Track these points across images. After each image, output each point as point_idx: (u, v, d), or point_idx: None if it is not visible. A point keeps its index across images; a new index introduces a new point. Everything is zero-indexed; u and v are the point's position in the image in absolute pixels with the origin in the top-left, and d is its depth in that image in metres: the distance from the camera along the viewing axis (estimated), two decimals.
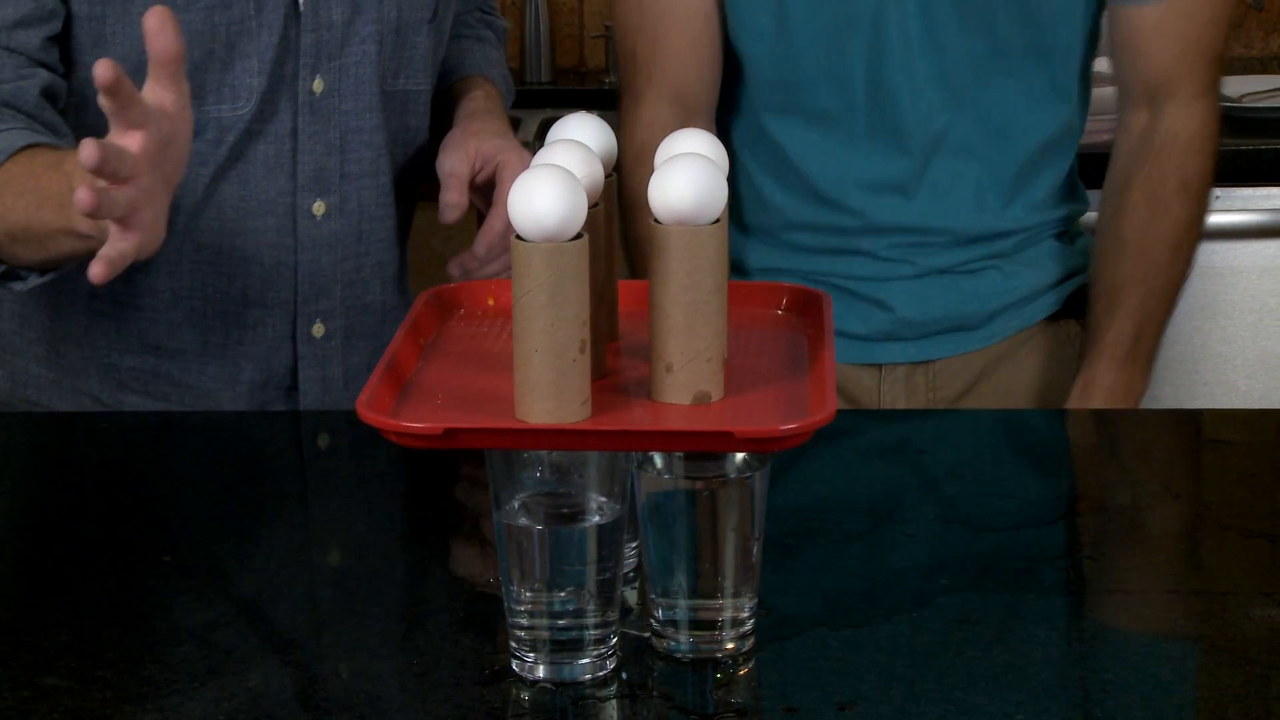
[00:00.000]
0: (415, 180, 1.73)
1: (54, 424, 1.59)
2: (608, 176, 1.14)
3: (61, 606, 1.21)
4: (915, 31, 1.67)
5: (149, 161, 1.21)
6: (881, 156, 1.72)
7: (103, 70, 1.15)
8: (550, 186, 1.01)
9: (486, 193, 1.64)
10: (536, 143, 2.83)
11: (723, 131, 1.78)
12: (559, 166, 1.03)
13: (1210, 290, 2.58)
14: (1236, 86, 2.79)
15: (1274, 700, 1.06)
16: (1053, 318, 1.80)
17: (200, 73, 1.54)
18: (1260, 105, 2.72)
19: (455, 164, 1.62)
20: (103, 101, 1.18)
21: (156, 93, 1.22)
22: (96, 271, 1.21)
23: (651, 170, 1.10)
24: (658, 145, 1.21)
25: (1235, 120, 2.68)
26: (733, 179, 1.75)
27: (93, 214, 1.18)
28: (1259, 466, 1.45)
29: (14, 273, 1.48)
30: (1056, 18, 1.70)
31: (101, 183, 1.18)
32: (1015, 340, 1.78)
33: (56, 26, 1.53)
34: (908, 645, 1.13)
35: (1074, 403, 1.73)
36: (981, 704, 1.06)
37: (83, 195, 1.16)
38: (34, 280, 1.48)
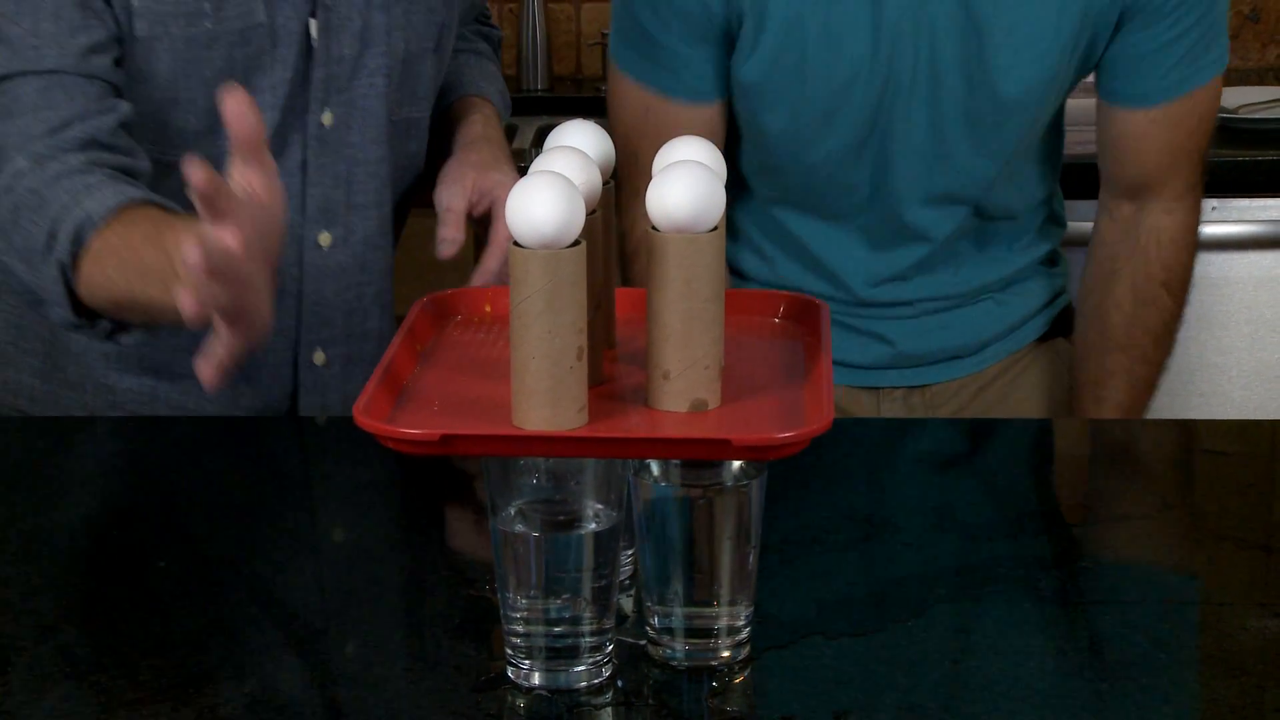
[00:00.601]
0: (407, 208, 1.74)
1: (52, 428, 1.59)
2: (605, 183, 1.14)
3: (58, 611, 1.21)
4: (921, 143, 1.67)
5: (248, 254, 1.14)
6: (884, 253, 1.73)
7: (196, 175, 1.09)
8: (548, 193, 1.01)
9: (485, 224, 1.64)
10: (534, 150, 2.84)
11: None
12: (556, 173, 1.03)
13: (1206, 301, 2.58)
14: (1233, 98, 2.78)
15: (1270, 710, 1.06)
16: (1042, 338, 1.83)
17: (217, 109, 1.53)
18: (1256, 116, 2.72)
19: (453, 198, 1.61)
20: (196, 200, 1.12)
21: (245, 175, 1.16)
22: (207, 376, 1.18)
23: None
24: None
25: (1232, 131, 2.69)
26: (732, 234, 1.76)
27: (200, 319, 1.14)
28: (1255, 477, 1.45)
29: (124, 326, 1.46)
30: (1053, 118, 1.72)
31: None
32: (1007, 362, 1.81)
33: (120, 50, 1.50)
34: (904, 654, 1.13)
35: None
36: (978, 713, 1.06)
37: (187, 304, 1.12)
38: (137, 333, 1.47)
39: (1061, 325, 1.84)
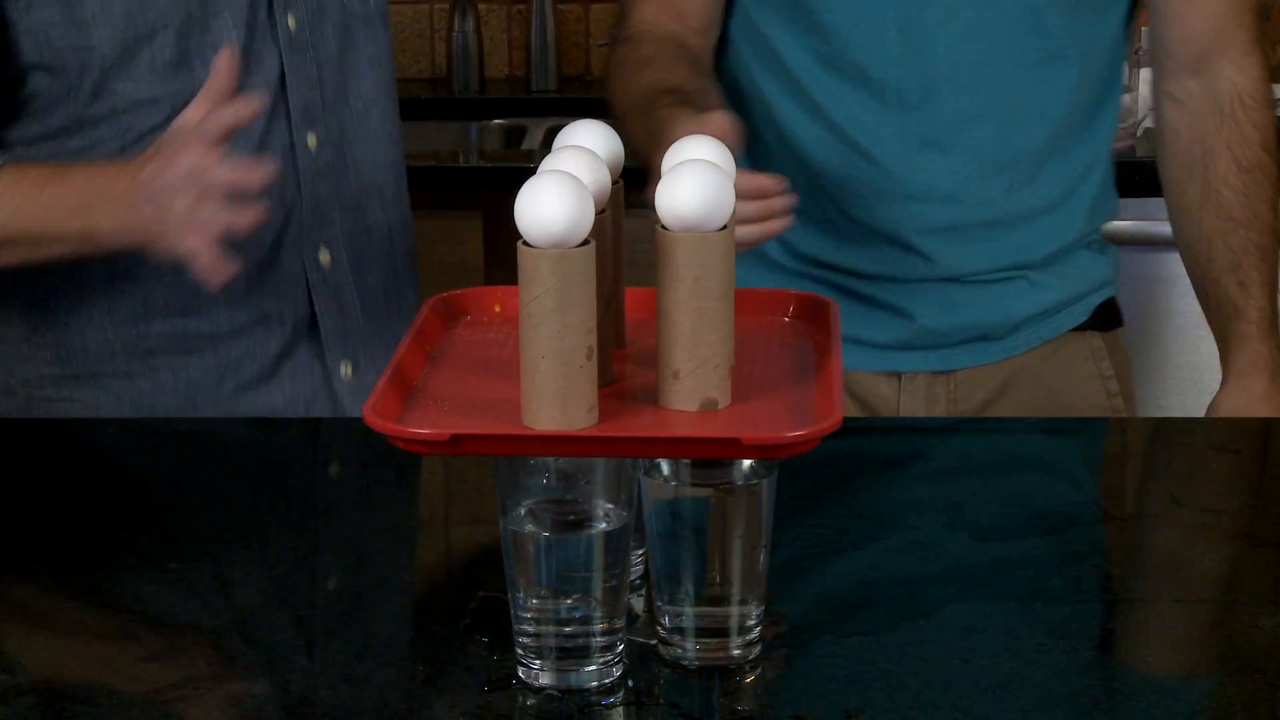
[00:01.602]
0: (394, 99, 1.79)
1: (60, 430, 1.59)
2: (614, 183, 1.14)
3: (67, 613, 1.21)
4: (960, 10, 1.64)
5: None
6: (915, 118, 1.68)
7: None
8: (557, 193, 1.01)
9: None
10: (543, 150, 2.84)
11: (750, 74, 1.75)
12: (566, 173, 1.03)
13: None
14: None
15: None
16: (1078, 328, 1.78)
17: (183, 40, 1.57)
18: None
19: None
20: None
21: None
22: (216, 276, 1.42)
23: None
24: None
25: None
26: (757, 124, 1.73)
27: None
28: (1267, 476, 1.45)
29: None
30: (1102, 6, 1.69)
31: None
32: (1039, 351, 1.76)
33: None
34: (915, 653, 1.12)
35: (1234, 393, 1.70)
36: (989, 712, 1.06)
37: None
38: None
39: (1100, 318, 1.79)
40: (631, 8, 1.75)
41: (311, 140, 1.65)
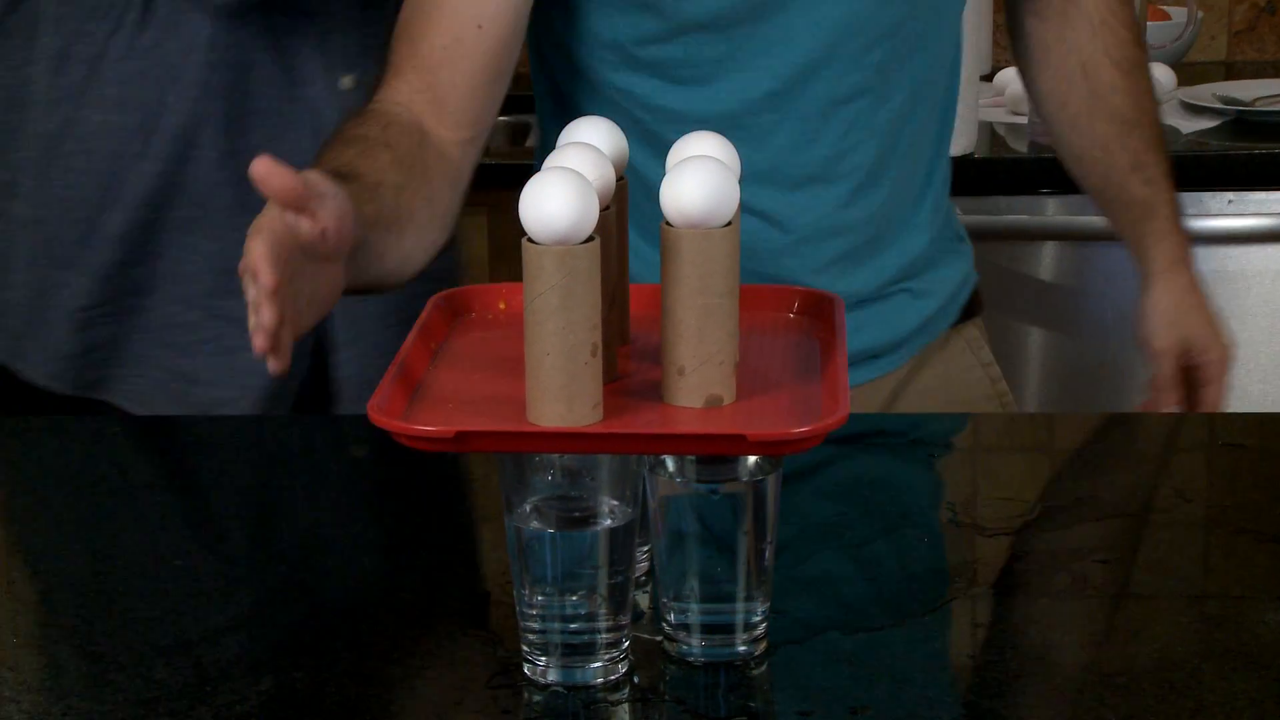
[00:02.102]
0: None
1: (65, 428, 1.59)
2: (619, 179, 1.13)
3: (72, 611, 1.21)
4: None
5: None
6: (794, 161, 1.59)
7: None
8: (562, 189, 1.01)
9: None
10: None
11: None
12: (570, 169, 1.03)
13: (1223, 294, 2.56)
14: (1250, 90, 2.78)
15: None
16: (955, 324, 1.73)
17: None
18: (1274, 109, 2.71)
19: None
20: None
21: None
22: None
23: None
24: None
25: (1247, 124, 2.68)
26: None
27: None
28: (1273, 470, 1.45)
29: None
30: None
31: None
32: (920, 357, 1.70)
33: None
34: (921, 649, 1.12)
35: (1162, 289, 1.71)
36: (995, 709, 1.05)
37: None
38: None
39: (970, 307, 1.74)
40: (386, 81, 1.46)
41: (347, 81, 1.68)
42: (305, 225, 1.10)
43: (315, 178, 1.13)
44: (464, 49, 1.45)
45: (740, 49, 1.53)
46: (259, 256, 1.07)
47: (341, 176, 1.24)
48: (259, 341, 1.07)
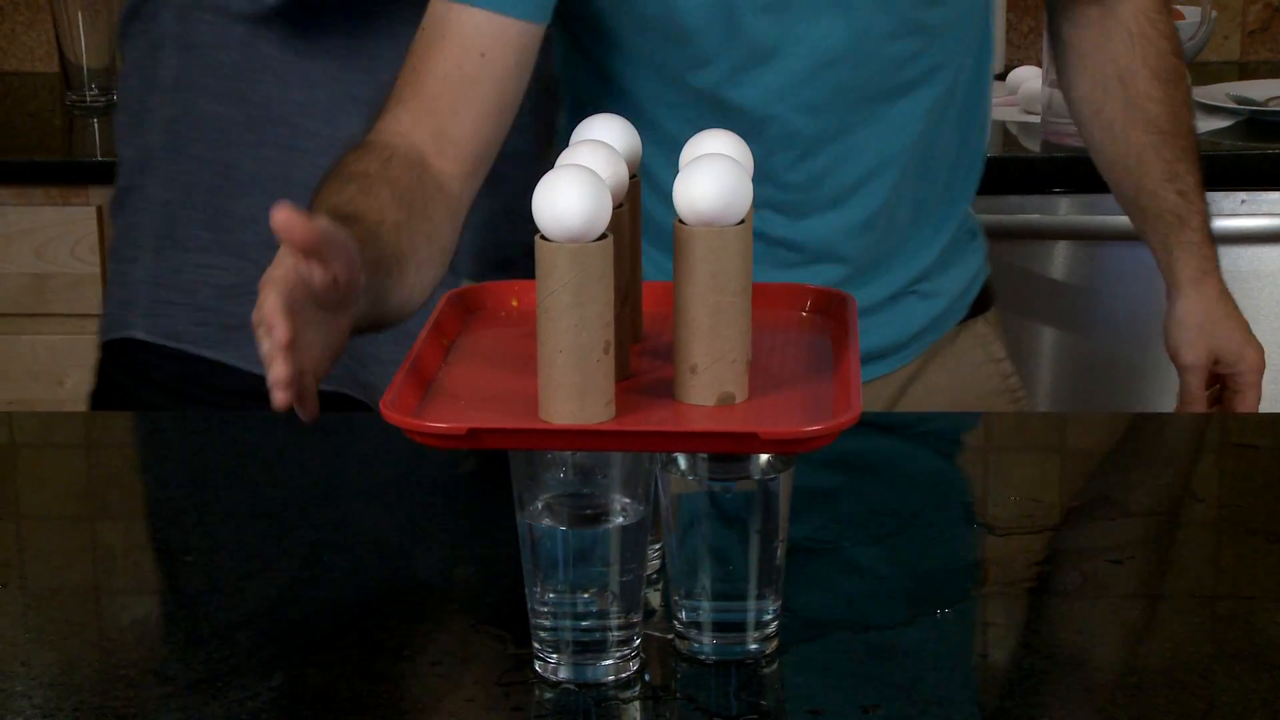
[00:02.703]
0: None
1: (79, 423, 1.60)
2: (632, 177, 1.13)
3: (84, 606, 1.21)
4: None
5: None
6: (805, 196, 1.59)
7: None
8: (575, 187, 1.01)
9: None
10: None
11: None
12: (584, 167, 1.03)
13: (1236, 295, 2.55)
14: (1263, 90, 2.77)
15: None
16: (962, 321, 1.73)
17: None
18: None
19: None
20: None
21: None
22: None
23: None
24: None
25: (1261, 124, 2.67)
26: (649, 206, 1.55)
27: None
28: None
29: None
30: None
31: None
32: (928, 354, 1.70)
33: None
34: (932, 648, 1.12)
35: (1192, 299, 1.71)
36: (1006, 708, 1.05)
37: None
38: None
39: (981, 302, 1.74)
40: (388, 108, 1.45)
41: None
42: (318, 274, 1.10)
43: (328, 226, 1.13)
44: (466, 77, 1.44)
45: None
46: (272, 309, 1.08)
47: (343, 217, 1.24)
48: (279, 397, 1.09)
